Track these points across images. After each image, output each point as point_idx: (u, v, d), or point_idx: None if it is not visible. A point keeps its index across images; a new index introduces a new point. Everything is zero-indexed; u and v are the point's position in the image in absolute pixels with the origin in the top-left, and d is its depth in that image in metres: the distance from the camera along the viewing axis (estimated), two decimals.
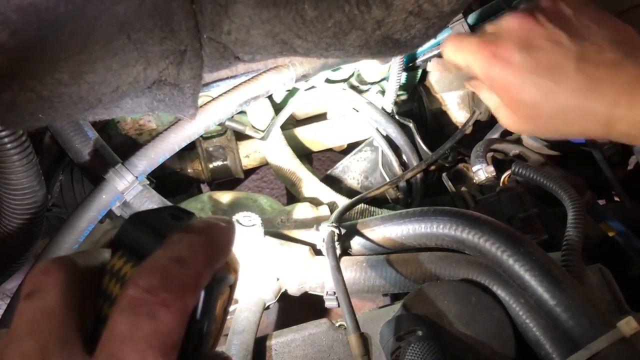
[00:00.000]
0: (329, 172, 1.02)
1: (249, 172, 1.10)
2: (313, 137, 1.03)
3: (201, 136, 1.00)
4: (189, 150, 1.01)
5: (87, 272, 0.28)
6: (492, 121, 0.98)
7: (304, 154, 1.04)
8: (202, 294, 0.28)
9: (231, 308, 0.63)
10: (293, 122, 1.05)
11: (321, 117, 1.06)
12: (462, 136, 0.89)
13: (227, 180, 1.06)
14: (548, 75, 0.58)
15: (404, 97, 1.04)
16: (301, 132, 1.02)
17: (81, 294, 0.27)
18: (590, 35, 0.57)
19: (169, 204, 0.77)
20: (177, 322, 0.25)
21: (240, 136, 1.01)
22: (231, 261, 0.31)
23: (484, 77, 0.61)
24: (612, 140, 0.68)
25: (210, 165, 1.01)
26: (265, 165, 1.07)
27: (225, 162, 1.01)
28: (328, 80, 0.95)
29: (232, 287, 0.32)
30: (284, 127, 0.96)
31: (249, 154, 1.02)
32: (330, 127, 1.03)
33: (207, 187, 1.21)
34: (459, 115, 1.01)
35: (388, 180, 0.97)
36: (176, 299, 0.25)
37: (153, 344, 0.24)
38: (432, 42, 0.86)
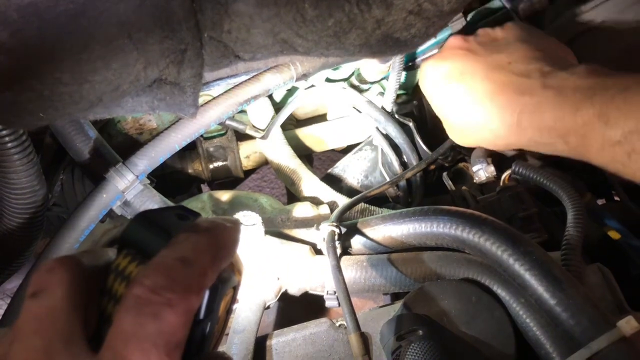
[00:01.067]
0: (329, 171, 1.02)
1: (249, 172, 1.10)
2: (313, 138, 1.03)
3: (202, 136, 1.00)
4: (190, 150, 1.01)
5: (92, 271, 0.28)
6: None
7: (305, 154, 1.04)
8: (207, 294, 0.28)
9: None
10: (293, 122, 1.05)
11: (321, 117, 1.06)
12: None
13: (227, 180, 1.06)
14: (460, 81, 0.63)
15: (404, 97, 1.04)
16: (302, 133, 1.02)
17: (86, 293, 0.28)
18: (508, 50, 0.62)
19: (170, 203, 0.77)
20: (182, 322, 0.25)
21: (241, 136, 1.02)
22: (235, 262, 0.31)
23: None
24: (525, 150, 0.73)
25: (211, 166, 1.01)
26: (265, 165, 1.07)
27: (225, 163, 1.01)
28: (328, 80, 0.95)
29: (235, 288, 0.32)
30: (284, 128, 0.96)
31: (249, 155, 1.03)
32: (331, 128, 1.03)
33: (207, 187, 1.21)
34: None
35: (388, 179, 0.97)
36: (181, 299, 0.25)
37: (157, 343, 0.24)
38: (432, 41, 0.86)
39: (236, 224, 0.30)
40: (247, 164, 1.04)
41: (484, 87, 0.62)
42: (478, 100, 0.62)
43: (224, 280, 0.29)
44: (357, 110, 0.97)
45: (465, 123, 0.65)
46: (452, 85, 0.65)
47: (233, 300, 0.33)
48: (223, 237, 0.29)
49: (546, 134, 0.56)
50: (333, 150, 1.10)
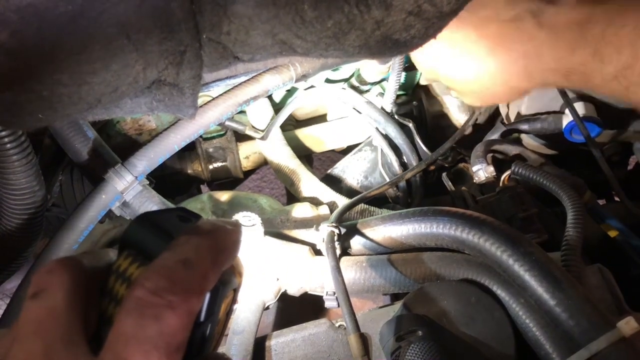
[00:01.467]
0: (328, 171, 1.02)
1: (248, 172, 1.10)
2: (313, 139, 1.03)
3: (201, 137, 1.00)
4: (189, 151, 1.01)
5: (92, 273, 0.28)
6: (491, 122, 0.98)
7: (304, 155, 1.04)
8: (207, 296, 0.28)
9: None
10: (293, 122, 1.05)
11: (321, 118, 1.06)
12: (462, 137, 0.89)
13: (227, 181, 1.06)
14: (456, 49, 0.62)
15: (403, 98, 1.04)
16: (301, 134, 1.02)
17: (86, 294, 0.28)
18: (488, 2, 0.60)
19: (170, 204, 0.77)
20: (183, 324, 0.25)
21: (240, 137, 1.02)
22: (236, 264, 0.31)
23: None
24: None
25: (210, 166, 1.01)
26: (264, 165, 1.07)
27: (224, 163, 1.01)
28: (328, 80, 0.95)
29: (236, 290, 0.32)
30: (284, 129, 0.96)
31: (248, 155, 1.03)
32: (331, 128, 1.03)
33: (206, 188, 1.21)
34: (459, 117, 1.01)
35: (388, 180, 0.97)
36: (182, 302, 0.25)
37: (158, 345, 0.24)
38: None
39: (237, 227, 0.30)
40: (246, 164, 1.04)
41: (480, 46, 0.61)
42: (481, 62, 0.61)
43: (224, 282, 0.29)
44: (357, 111, 0.97)
45: (477, 86, 0.64)
46: (450, 56, 0.64)
47: (233, 301, 0.33)
48: (224, 239, 0.29)
49: (551, 75, 0.57)
50: (333, 150, 1.10)
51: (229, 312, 0.33)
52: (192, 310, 0.26)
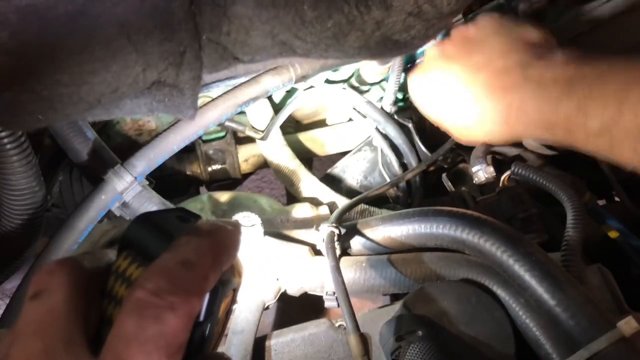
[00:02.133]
0: (328, 171, 1.02)
1: (248, 173, 1.10)
2: (314, 143, 1.03)
3: (201, 139, 1.00)
4: (188, 152, 1.01)
5: (92, 273, 0.28)
6: None
7: (305, 159, 1.04)
8: (207, 296, 0.28)
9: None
10: (293, 124, 1.05)
11: (322, 122, 1.06)
12: None
13: (226, 183, 1.06)
14: (445, 90, 0.65)
15: (402, 104, 1.04)
16: (302, 138, 1.02)
17: (86, 294, 0.28)
18: (484, 48, 0.65)
19: (169, 204, 0.77)
20: (183, 325, 0.25)
21: (240, 140, 1.02)
22: (236, 264, 0.31)
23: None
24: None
25: (209, 169, 1.01)
26: (263, 168, 1.07)
27: (223, 166, 1.02)
28: (328, 81, 0.95)
29: (235, 290, 0.32)
30: (284, 132, 0.96)
31: (247, 159, 1.03)
32: (331, 133, 1.03)
33: (204, 190, 1.21)
34: None
35: (388, 179, 0.97)
36: (183, 302, 0.25)
37: (159, 346, 0.24)
38: (432, 42, 0.86)
39: (237, 227, 0.30)
40: (245, 167, 1.04)
41: (469, 92, 0.63)
42: (467, 105, 0.64)
43: (224, 283, 0.29)
44: (356, 111, 0.97)
45: (461, 127, 0.67)
46: (439, 96, 0.67)
47: (233, 301, 0.33)
48: (224, 240, 0.29)
49: (533, 128, 0.57)
50: None
51: (228, 312, 0.33)
52: (192, 311, 0.26)
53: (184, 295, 0.26)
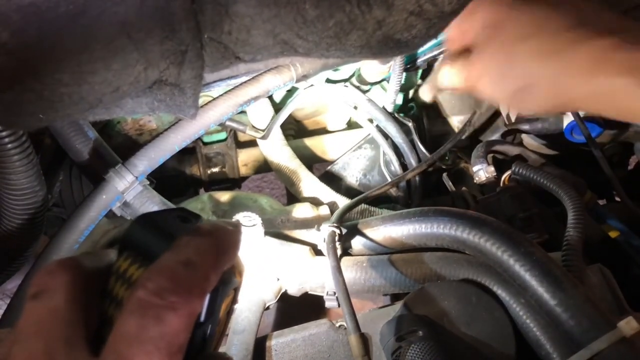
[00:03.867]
0: (328, 168, 1.02)
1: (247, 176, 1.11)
2: (315, 149, 1.03)
3: (202, 141, 1.00)
4: (189, 154, 1.02)
5: (93, 273, 0.28)
6: (491, 123, 0.98)
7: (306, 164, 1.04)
8: (208, 296, 0.28)
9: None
10: (294, 126, 1.05)
11: (322, 128, 1.07)
12: (461, 138, 0.90)
13: (225, 185, 1.06)
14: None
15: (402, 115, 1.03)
16: (302, 144, 1.02)
17: (87, 295, 0.28)
18: (549, 24, 0.56)
19: (170, 204, 0.77)
20: (184, 325, 0.25)
21: (240, 144, 1.02)
22: (236, 264, 0.31)
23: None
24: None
25: (209, 171, 1.02)
26: (263, 171, 1.07)
27: (223, 169, 1.02)
28: (329, 80, 0.95)
29: (236, 290, 0.32)
30: (285, 137, 0.96)
31: (247, 163, 1.03)
32: (332, 139, 1.03)
33: (203, 192, 1.21)
34: (458, 119, 1.00)
35: (388, 178, 0.97)
36: (184, 303, 0.25)
37: (160, 346, 0.24)
38: (433, 42, 0.86)
39: (238, 227, 0.30)
40: (245, 171, 1.04)
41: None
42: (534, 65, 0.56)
43: (225, 283, 0.29)
44: (356, 109, 0.97)
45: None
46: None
47: (234, 301, 0.33)
48: (225, 240, 0.29)
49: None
50: None
51: (229, 311, 0.33)
52: (193, 311, 0.26)
53: (185, 295, 0.26)
